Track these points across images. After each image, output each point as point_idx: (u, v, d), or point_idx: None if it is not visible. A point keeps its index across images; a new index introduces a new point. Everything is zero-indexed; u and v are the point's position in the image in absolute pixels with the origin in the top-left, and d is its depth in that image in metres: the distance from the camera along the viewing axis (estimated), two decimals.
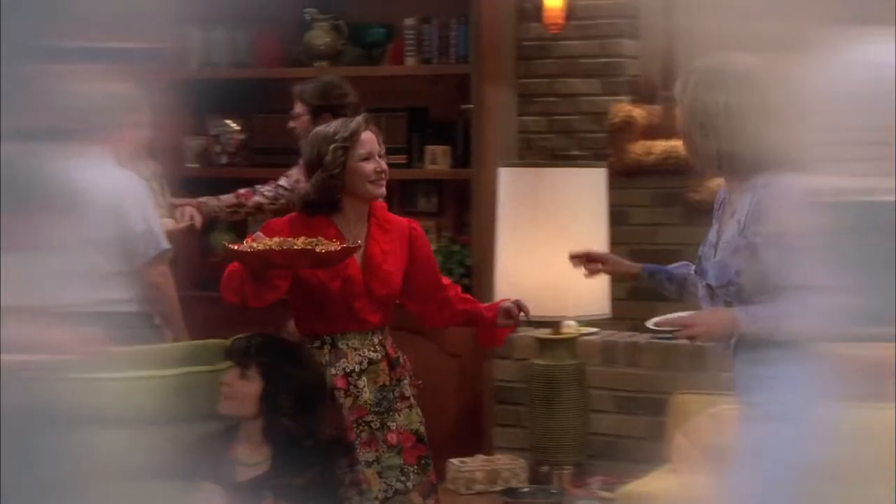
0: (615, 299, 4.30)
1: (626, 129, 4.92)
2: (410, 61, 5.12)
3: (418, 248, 3.53)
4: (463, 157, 5.01)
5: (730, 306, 2.92)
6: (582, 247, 3.49)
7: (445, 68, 5.06)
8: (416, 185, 5.18)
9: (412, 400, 3.48)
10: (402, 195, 5.11)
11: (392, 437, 3.42)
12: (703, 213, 4.88)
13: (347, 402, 3.40)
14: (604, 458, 4.39)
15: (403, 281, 3.47)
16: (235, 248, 3.26)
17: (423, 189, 5.17)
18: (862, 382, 2.70)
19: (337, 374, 3.40)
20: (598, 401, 4.38)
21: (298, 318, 3.49)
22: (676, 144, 4.98)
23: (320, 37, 5.21)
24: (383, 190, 3.45)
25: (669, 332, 3.04)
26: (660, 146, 4.91)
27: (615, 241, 4.35)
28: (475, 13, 4.89)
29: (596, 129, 4.97)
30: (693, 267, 3.13)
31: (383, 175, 3.42)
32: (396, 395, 3.45)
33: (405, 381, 3.47)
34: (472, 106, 4.92)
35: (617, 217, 4.51)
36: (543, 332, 4.16)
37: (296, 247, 3.21)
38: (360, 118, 3.45)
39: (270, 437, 3.30)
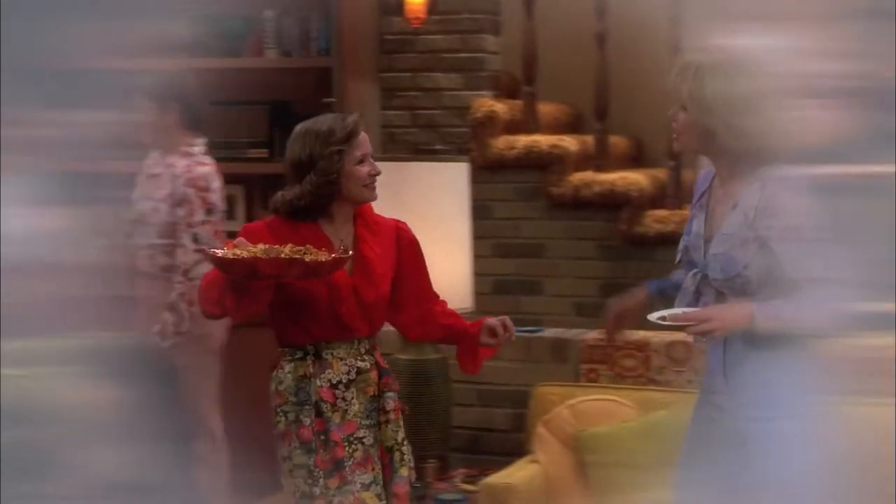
0: (478, 293, 4.32)
1: (489, 124, 4.95)
2: (270, 54, 5.07)
3: (407, 250, 3.31)
4: None
5: (722, 299, 2.82)
6: (443, 240, 3.48)
7: (307, 62, 5.02)
8: (278, 180, 5.11)
9: (391, 415, 3.23)
10: (264, 190, 5.05)
11: (381, 453, 3.22)
12: (563, 207, 4.98)
13: (336, 417, 3.16)
14: (467, 450, 4.41)
15: (391, 286, 3.26)
16: (218, 254, 2.99)
17: (286, 183, 5.11)
18: (865, 377, 2.71)
19: (323, 385, 3.16)
20: (461, 394, 4.41)
21: (277, 327, 3.24)
22: (538, 139, 5.05)
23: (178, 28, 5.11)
24: (376, 193, 3.26)
25: (677, 326, 2.87)
26: (522, 141, 4.96)
27: (478, 236, 4.38)
28: (336, 6, 4.87)
29: (458, 123, 4.99)
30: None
31: (375, 178, 3.23)
32: (378, 407, 3.24)
33: (388, 395, 3.24)
34: (334, 100, 4.89)
35: (480, 211, 4.54)
36: None
37: (283, 255, 2.97)
38: (354, 117, 3.24)
39: None
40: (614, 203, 4.88)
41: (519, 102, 5.14)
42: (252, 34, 5.15)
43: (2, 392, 2.07)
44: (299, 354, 3.19)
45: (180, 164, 4.11)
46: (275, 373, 3.23)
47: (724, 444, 2.83)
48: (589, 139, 5.15)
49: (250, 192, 5.16)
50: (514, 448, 4.27)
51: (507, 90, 5.27)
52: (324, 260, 3.00)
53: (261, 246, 3.01)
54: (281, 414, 3.20)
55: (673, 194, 5.02)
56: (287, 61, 5.05)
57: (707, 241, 2.87)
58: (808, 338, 2.80)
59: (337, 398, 3.17)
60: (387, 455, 3.22)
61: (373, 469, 3.18)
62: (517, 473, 3.95)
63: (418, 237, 3.97)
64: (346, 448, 3.15)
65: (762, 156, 2.80)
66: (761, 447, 2.78)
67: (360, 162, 3.20)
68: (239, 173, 5.01)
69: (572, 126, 5.51)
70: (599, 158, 5.11)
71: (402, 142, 5.01)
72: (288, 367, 3.20)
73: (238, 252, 2.98)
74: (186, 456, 3.99)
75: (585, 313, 4.73)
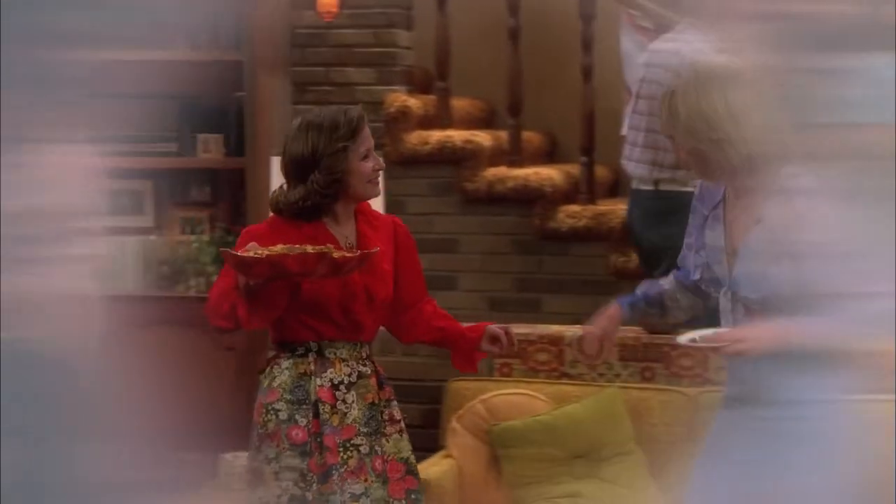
0: None
1: (402, 119, 4.94)
2: (179, 47, 5.00)
3: (404, 247, 3.20)
4: (237, 146, 4.93)
5: (753, 315, 2.76)
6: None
7: (216, 55, 4.96)
8: (188, 175, 5.06)
9: (402, 424, 3.12)
10: (172, 185, 4.98)
11: (378, 464, 3.07)
12: (477, 202, 4.99)
13: (334, 420, 3.02)
14: None
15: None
16: (241, 254, 2.86)
17: (196, 178, 5.05)
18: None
19: (323, 385, 3.03)
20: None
21: (279, 323, 3.08)
22: (452, 134, 5.04)
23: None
24: (380, 188, 3.15)
25: (710, 348, 2.81)
26: (435, 136, 4.95)
27: None
28: None
29: (372, 118, 4.94)
30: (664, 281, 3.00)
31: (379, 173, 3.11)
32: (386, 416, 3.10)
33: (394, 403, 3.13)
34: (245, 94, 4.84)
35: (393, 207, 4.52)
36: None
37: (310, 251, 2.87)
38: (358, 110, 3.12)
39: None
40: (528, 198, 4.89)
41: (432, 97, 5.13)
42: (160, 26, 5.06)
43: None
44: (300, 351, 3.07)
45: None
46: (268, 369, 3.10)
47: (749, 442, 2.79)
48: (502, 134, 5.16)
49: (159, 187, 5.08)
50: (427, 443, 4.26)
51: (420, 85, 5.26)
52: (350, 255, 2.91)
53: (279, 246, 2.90)
54: (272, 412, 3.05)
55: (586, 190, 5.05)
56: (196, 54, 4.98)
57: (730, 255, 2.81)
58: (840, 350, 2.75)
59: (337, 400, 3.04)
60: (401, 467, 3.09)
61: (366, 480, 3.03)
62: (431, 468, 3.95)
63: None
64: (341, 454, 3.01)
65: (763, 162, 2.75)
66: (789, 446, 2.74)
67: (365, 157, 3.08)
68: (147, 168, 4.94)
69: (486, 121, 5.51)
70: (513, 154, 5.11)
71: None
72: (286, 364, 3.07)
73: (259, 252, 2.86)
74: None
75: (499, 308, 4.74)
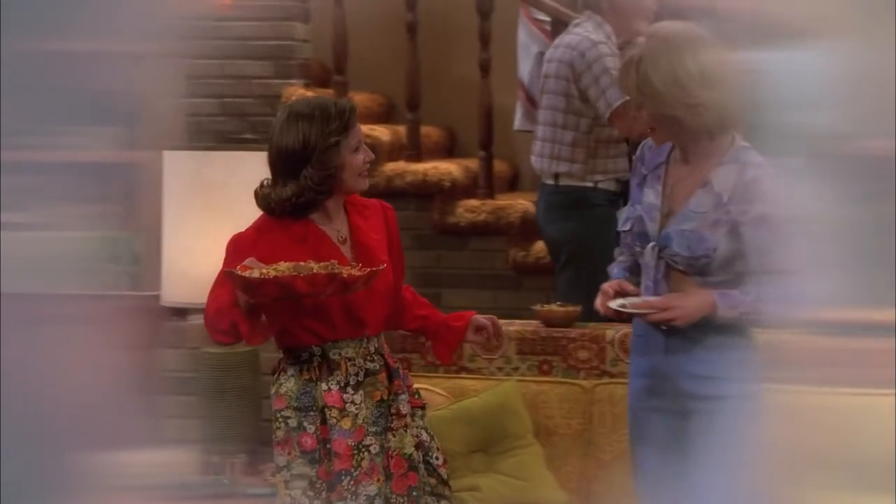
0: None
1: None
2: (68, 38, 4.89)
3: (393, 233, 3.12)
4: (128, 140, 4.83)
5: (671, 273, 2.79)
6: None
7: (108, 45, 4.86)
8: (77, 169, 4.95)
9: (408, 419, 3.01)
10: (61, 180, 4.87)
11: (385, 462, 2.98)
12: (375, 197, 4.90)
13: (345, 423, 2.93)
14: None
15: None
16: (246, 275, 2.78)
17: (86, 173, 4.95)
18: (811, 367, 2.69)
19: (331, 389, 2.94)
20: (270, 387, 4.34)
21: (281, 330, 3.00)
22: None
23: None
24: (367, 181, 3.06)
25: (638, 314, 2.84)
26: None
27: None
28: None
29: (269, 112, 4.91)
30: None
31: (368, 165, 3.02)
32: (393, 412, 3.00)
33: (403, 397, 3.02)
34: (138, 86, 4.75)
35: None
36: None
37: (316, 271, 2.79)
38: (349, 101, 3.04)
39: None
40: (426, 193, 4.89)
41: (330, 91, 5.09)
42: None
43: None
44: (305, 356, 2.98)
45: None
46: (276, 375, 3.04)
47: (667, 423, 2.86)
48: (401, 129, 5.15)
49: (46, 181, 4.96)
50: None
51: (317, 79, 5.22)
52: (359, 274, 2.83)
53: (283, 264, 2.82)
54: (281, 419, 2.99)
55: (484, 184, 5.06)
56: (88, 45, 4.88)
57: (666, 215, 2.83)
58: (760, 328, 2.78)
59: (345, 402, 2.95)
60: (404, 463, 3.00)
61: (378, 480, 2.94)
62: None
63: (226, 229, 3.88)
64: (355, 457, 2.93)
65: (728, 127, 2.78)
66: (703, 424, 2.79)
67: (356, 150, 2.99)
68: (35, 161, 4.82)
69: (384, 116, 5.49)
70: (411, 148, 5.11)
71: (210, 131, 4.90)
72: (291, 370, 3.00)
73: (265, 272, 2.77)
74: None
75: None
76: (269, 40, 4.90)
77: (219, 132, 4.90)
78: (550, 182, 4.38)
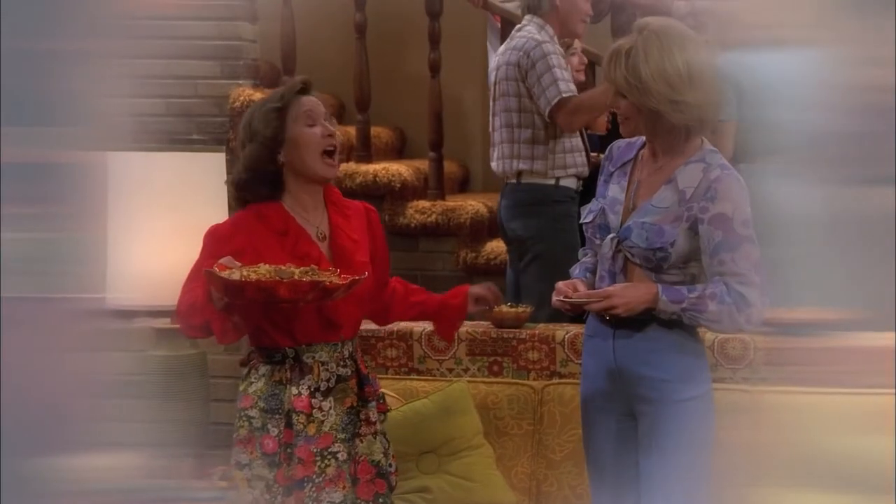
0: None
1: None
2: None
3: (377, 234, 3.07)
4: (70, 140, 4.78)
5: (628, 266, 2.81)
6: (199, 232, 3.38)
7: (48, 43, 4.80)
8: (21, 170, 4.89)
9: (377, 426, 2.98)
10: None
11: (353, 469, 2.94)
12: None
13: (310, 429, 2.88)
14: (226, 447, 4.31)
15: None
16: (225, 277, 2.68)
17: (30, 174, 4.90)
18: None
19: (301, 393, 2.88)
20: (220, 389, 4.30)
21: (252, 328, 2.93)
22: None
23: None
24: (336, 170, 2.92)
25: (579, 304, 2.83)
26: None
27: None
28: None
29: (216, 112, 4.88)
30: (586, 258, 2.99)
31: (334, 145, 2.88)
32: (362, 417, 2.96)
33: (372, 404, 2.97)
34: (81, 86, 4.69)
35: (238, 202, 4.44)
36: (162, 322, 4.02)
37: (296, 276, 2.72)
38: (297, 78, 2.94)
39: None
40: (377, 193, 4.89)
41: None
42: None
43: None
44: (277, 357, 2.92)
45: None
46: (247, 371, 2.97)
47: (619, 424, 2.87)
48: (351, 130, 5.13)
49: None
50: None
51: (266, 79, 5.19)
52: (341, 283, 2.77)
53: (264, 266, 2.75)
54: (245, 418, 2.95)
55: (435, 185, 5.05)
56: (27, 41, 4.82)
57: (629, 209, 2.84)
58: (700, 326, 2.83)
59: (313, 408, 2.89)
60: (371, 469, 2.97)
61: (343, 488, 2.89)
62: None
63: (172, 229, 3.84)
64: (318, 463, 2.88)
65: (703, 128, 2.81)
66: (653, 426, 2.81)
67: (310, 125, 2.87)
68: None
69: (334, 117, 5.47)
70: (361, 149, 5.09)
71: (156, 131, 4.86)
72: (263, 370, 2.94)
73: (245, 274, 2.70)
74: None
75: None
76: (216, 40, 4.86)
77: (166, 133, 4.85)
78: (513, 181, 4.43)
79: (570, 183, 4.41)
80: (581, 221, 2.97)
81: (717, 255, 2.76)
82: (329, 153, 2.91)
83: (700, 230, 2.78)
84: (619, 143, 2.96)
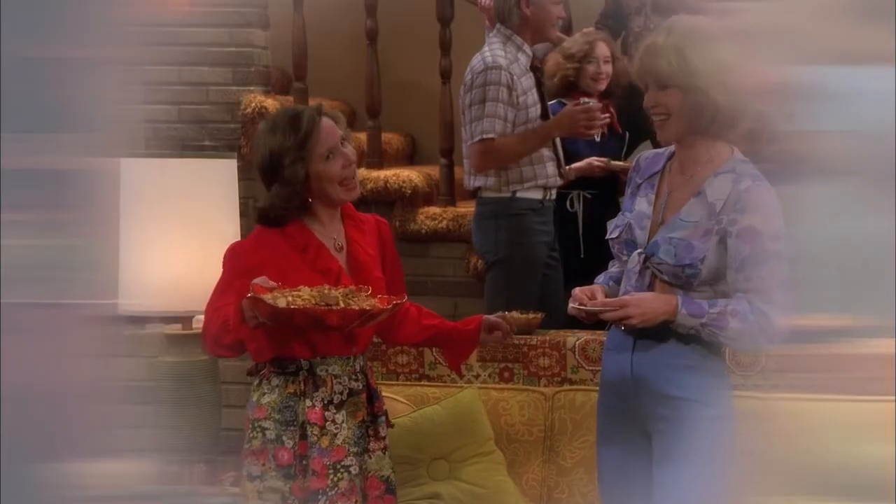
0: None
1: (259, 120, 4.86)
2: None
3: (388, 249, 3.09)
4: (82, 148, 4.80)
5: (656, 283, 2.73)
6: (211, 238, 3.39)
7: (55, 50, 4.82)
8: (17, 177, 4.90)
9: (386, 441, 3.01)
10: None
11: (364, 484, 2.96)
12: None
13: (323, 441, 2.91)
14: (237, 453, 4.31)
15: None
16: (270, 301, 2.71)
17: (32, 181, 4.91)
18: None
19: (314, 405, 2.90)
20: (232, 396, 4.30)
21: (267, 340, 2.94)
22: None
23: None
24: (357, 192, 2.97)
25: (595, 311, 2.74)
26: None
27: (247, 234, 4.28)
28: None
29: (228, 119, 4.89)
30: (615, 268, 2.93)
31: (352, 171, 2.92)
32: (371, 433, 2.99)
33: (381, 420, 3.01)
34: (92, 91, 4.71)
35: (250, 209, 4.44)
36: (173, 328, 4.03)
37: (344, 305, 2.75)
38: (310, 110, 2.95)
39: None
40: (387, 200, 4.89)
41: (290, 98, 5.07)
42: None
43: None
44: (291, 368, 2.94)
45: None
46: (258, 381, 2.99)
47: (635, 430, 2.82)
48: (362, 136, 5.13)
49: None
50: None
51: (277, 86, 5.20)
52: (384, 308, 2.81)
53: (306, 289, 2.78)
54: (258, 429, 2.97)
55: (445, 191, 5.05)
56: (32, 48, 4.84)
57: (657, 223, 2.77)
58: (719, 342, 2.75)
59: (326, 420, 2.92)
60: (381, 485, 2.99)
61: (356, 501, 2.92)
62: None
63: (184, 235, 3.84)
64: (331, 477, 2.90)
65: (737, 130, 2.72)
66: (668, 440, 2.75)
67: (328, 158, 2.91)
68: None
69: (345, 122, 5.48)
70: (372, 155, 5.10)
71: (167, 137, 4.87)
72: (276, 381, 2.96)
73: (291, 300, 2.73)
74: None
75: None
76: (228, 47, 4.87)
77: (177, 139, 4.87)
78: (477, 196, 4.39)
79: (531, 194, 4.27)
80: (607, 237, 2.90)
81: (743, 270, 2.68)
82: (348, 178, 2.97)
83: (728, 244, 2.69)
84: (646, 154, 2.90)
